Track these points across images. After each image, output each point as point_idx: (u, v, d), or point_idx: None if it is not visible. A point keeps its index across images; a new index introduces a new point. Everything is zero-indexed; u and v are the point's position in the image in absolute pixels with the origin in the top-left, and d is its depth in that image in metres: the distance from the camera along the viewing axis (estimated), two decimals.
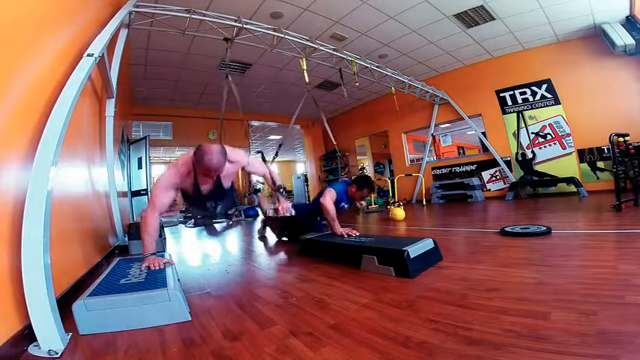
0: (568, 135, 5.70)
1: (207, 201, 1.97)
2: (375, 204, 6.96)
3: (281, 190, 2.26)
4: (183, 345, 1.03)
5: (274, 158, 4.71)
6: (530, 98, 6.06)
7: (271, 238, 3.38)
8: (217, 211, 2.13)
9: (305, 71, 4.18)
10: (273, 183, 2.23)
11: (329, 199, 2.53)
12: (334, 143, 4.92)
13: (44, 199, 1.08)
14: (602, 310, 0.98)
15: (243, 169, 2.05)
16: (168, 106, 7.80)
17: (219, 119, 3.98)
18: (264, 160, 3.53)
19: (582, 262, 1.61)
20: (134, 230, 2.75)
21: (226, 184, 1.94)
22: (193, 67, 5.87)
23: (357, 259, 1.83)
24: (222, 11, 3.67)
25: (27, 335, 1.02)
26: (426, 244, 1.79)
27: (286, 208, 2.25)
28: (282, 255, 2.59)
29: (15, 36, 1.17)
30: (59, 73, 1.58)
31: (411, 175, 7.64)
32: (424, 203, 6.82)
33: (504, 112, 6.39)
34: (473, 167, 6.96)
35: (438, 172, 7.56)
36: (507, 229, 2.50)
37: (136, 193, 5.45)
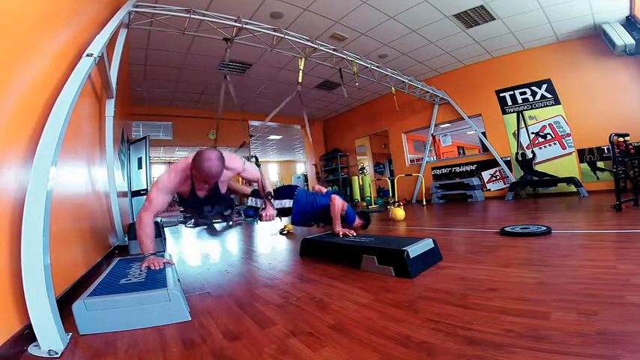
0: (568, 135, 5.70)
1: (203, 205, 1.98)
2: (375, 204, 6.97)
3: (269, 197, 2.25)
4: (183, 345, 1.03)
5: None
6: (530, 98, 6.06)
7: (277, 237, 3.38)
8: (212, 214, 2.12)
9: (301, 71, 4.17)
10: (263, 189, 2.24)
11: (340, 201, 2.60)
12: (312, 149, 5.00)
13: (44, 199, 1.08)
14: (602, 310, 0.98)
15: (239, 174, 2.05)
16: (169, 106, 7.80)
17: (217, 119, 4.00)
18: (257, 163, 3.53)
19: (582, 262, 1.61)
20: (134, 230, 2.74)
21: (223, 189, 1.95)
22: (193, 67, 5.87)
23: (357, 259, 1.83)
24: (222, 11, 3.67)
25: (27, 335, 1.02)
26: (426, 244, 1.79)
27: (271, 215, 2.21)
28: (282, 255, 2.59)
29: (14, 36, 1.17)
30: (59, 73, 1.57)
31: (411, 175, 7.64)
32: (424, 203, 6.82)
33: (504, 112, 6.39)
34: (473, 167, 6.96)
35: (438, 172, 7.56)
36: (507, 229, 2.50)
37: (136, 193, 5.44)
